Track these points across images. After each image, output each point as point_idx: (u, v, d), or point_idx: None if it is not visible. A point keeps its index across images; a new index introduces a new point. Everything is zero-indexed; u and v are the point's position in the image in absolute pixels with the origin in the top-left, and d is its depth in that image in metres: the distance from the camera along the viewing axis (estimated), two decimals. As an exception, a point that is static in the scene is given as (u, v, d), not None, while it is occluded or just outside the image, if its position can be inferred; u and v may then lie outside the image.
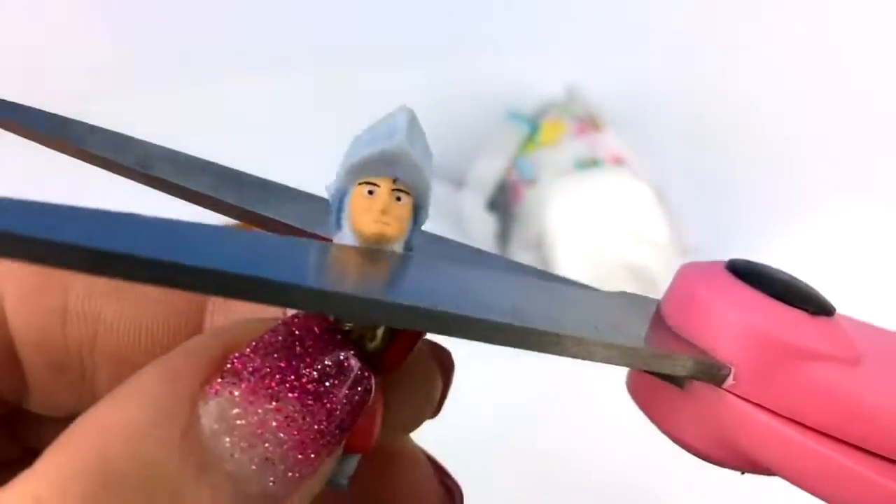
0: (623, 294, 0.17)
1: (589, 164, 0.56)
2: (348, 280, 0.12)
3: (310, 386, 0.11)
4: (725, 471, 0.16)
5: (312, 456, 0.11)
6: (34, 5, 0.69)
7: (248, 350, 0.11)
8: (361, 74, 0.73)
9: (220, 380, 0.11)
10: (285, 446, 0.10)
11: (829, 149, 0.68)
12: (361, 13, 0.73)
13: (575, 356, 0.13)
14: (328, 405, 0.11)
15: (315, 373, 0.11)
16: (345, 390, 0.11)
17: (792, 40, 0.74)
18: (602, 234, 0.53)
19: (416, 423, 0.15)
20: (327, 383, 0.11)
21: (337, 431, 0.11)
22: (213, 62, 0.72)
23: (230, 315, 0.14)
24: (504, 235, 0.59)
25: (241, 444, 0.10)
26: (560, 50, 0.72)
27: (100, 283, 0.13)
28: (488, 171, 0.59)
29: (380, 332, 0.13)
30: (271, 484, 0.10)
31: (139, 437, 0.10)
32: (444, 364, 0.15)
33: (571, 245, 0.53)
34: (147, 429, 0.10)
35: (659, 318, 0.16)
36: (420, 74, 0.72)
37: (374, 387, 0.12)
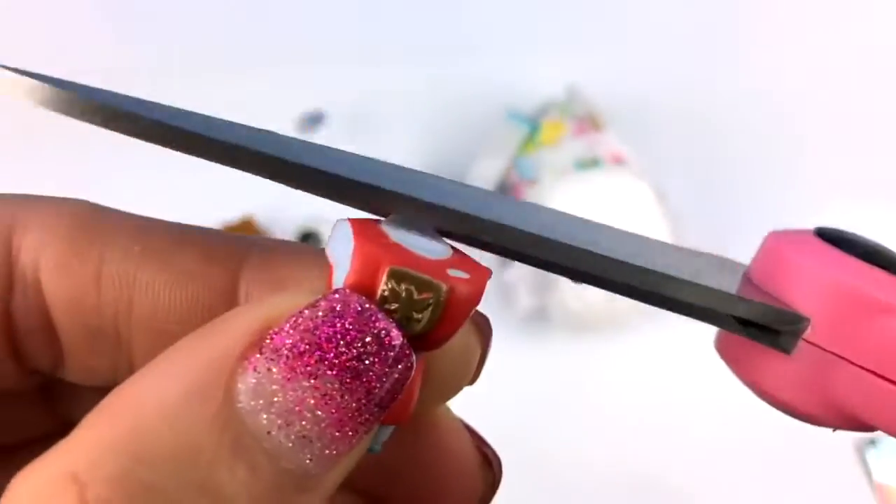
0: (715, 255, 0.18)
1: (589, 163, 0.56)
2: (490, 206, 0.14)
3: (349, 363, 0.11)
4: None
5: (350, 433, 0.11)
6: (35, 5, 0.69)
7: (286, 325, 0.11)
8: (363, 74, 0.73)
9: (257, 355, 0.10)
10: (323, 424, 0.10)
11: (830, 149, 0.68)
12: (361, 13, 0.73)
13: (672, 297, 0.14)
14: (367, 383, 0.11)
15: (355, 350, 0.11)
16: (385, 368, 0.11)
17: (792, 40, 0.74)
18: (602, 234, 0.53)
19: (454, 392, 0.15)
20: (367, 361, 0.11)
21: (376, 409, 0.11)
22: (213, 62, 0.72)
23: (265, 289, 0.14)
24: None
25: (278, 421, 0.10)
26: (560, 50, 0.72)
27: (135, 252, 0.13)
28: (488, 171, 0.59)
29: (426, 313, 0.12)
30: (308, 461, 0.10)
31: (174, 412, 0.10)
32: (483, 330, 0.15)
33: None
34: (182, 404, 0.10)
35: (747, 278, 0.17)
36: (420, 74, 0.72)
37: (415, 363, 0.11)
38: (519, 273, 0.55)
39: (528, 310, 0.55)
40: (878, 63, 0.72)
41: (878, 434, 0.51)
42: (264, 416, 0.10)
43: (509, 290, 0.56)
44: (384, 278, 0.12)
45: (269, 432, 0.10)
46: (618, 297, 0.56)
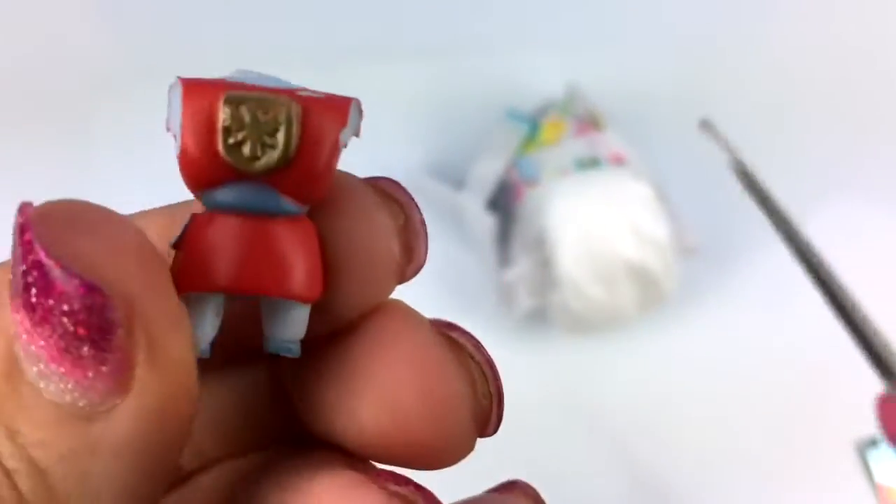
0: None
1: (589, 163, 0.56)
2: None
3: (25, 295, 0.10)
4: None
5: (78, 370, 0.10)
6: (35, 4, 0.69)
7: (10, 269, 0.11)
8: (361, 74, 0.73)
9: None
10: (43, 359, 0.10)
11: (830, 149, 0.68)
12: (361, 12, 0.73)
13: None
14: (46, 317, 0.10)
15: (21, 282, 0.10)
16: (44, 297, 0.10)
17: (792, 40, 0.74)
18: (603, 234, 0.53)
19: (380, 279, 0.13)
20: (32, 293, 0.10)
21: (81, 344, 0.10)
22: (213, 61, 0.72)
23: None
24: (504, 235, 0.59)
25: (22, 352, 0.10)
26: (560, 50, 0.72)
27: None
28: (488, 171, 0.59)
29: (280, 135, 0.11)
30: (65, 397, 0.10)
31: None
32: (388, 193, 0.13)
33: (572, 245, 0.53)
34: None
35: None
36: (420, 74, 0.72)
37: (94, 287, 0.10)
38: (519, 273, 0.55)
39: (528, 310, 0.55)
40: (878, 64, 0.72)
41: (880, 434, 0.50)
42: (15, 346, 0.10)
43: (509, 290, 0.56)
44: (221, 107, 0.11)
45: (21, 360, 0.10)
46: (618, 296, 0.56)
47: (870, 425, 0.54)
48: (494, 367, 0.14)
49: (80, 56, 0.71)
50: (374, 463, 0.13)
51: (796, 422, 0.54)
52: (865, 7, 0.73)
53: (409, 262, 0.13)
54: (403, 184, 0.14)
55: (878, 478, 0.51)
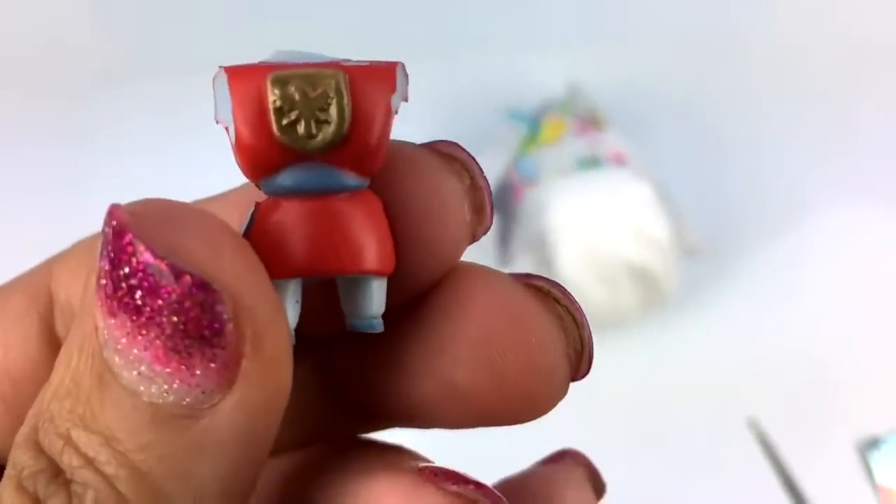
0: None
1: (590, 163, 0.56)
2: None
3: (127, 300, 0.10)
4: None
5: (184, 368, 0.10)
6: (36, 3, 0.69)
7: (100, 274, 0.10)
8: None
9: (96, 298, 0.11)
10: (146, 361, 0.10)
11: (830, 149, 0.68)
12: (362, 12, 0.73)
13: None
14: (152, 316, 0.10)
15: (124, 286, 0.10)
16: (152, 301, 0.10)
17: (792, 40, 0.73)
18: (603, 234, 0.53)
19: (449, 246, 0.12)
20: (137, 296, 0.10)
21: (190, 342, 0.10)
22: (214, 60, 0.72)
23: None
24: (504, 235, 0.59)
25: (118, 360, 0.10)
26: (560, 49, 0.72)
27: None
28: (488, 171, 0.59)
29: (332, 109, 0.11)
30: (168, 397, 0.10)
31: (65, 354, 0.11)
32: (449, 157, 0.13)
33: (572, 245, 0.53)
34: (66, 347, 0.11)
35: None
36: (420, 73, 0.72)
37: (206, 283, 0.10)
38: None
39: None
40: (878, 64, 0.72)
41: (881, 435, 0.51)
42: (109, 351, 0.10)
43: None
44: (269, 89, 0.11)
45: (122, 372, 0.10)
46: (618, 296, 0.56)
47: (871, 426, 0.54)
48: (582, 311, 0.13)
49: (81, 56, 0.71)
50: (427, 461, 0.13)
51: (796, 422, 0.54)
52: (865, 8, 0.73)
53: (480, 222, 0.13)
54: None
55: (879, 479, 0.51)
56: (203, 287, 0.10)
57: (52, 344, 0.14)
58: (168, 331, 0.10)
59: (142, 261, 0.10)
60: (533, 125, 0.61)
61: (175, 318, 0.10)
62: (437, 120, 0.69)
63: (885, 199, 0.65)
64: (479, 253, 0.58)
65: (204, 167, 0.68)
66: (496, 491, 0.12)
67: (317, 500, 0.13)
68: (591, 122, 0.60)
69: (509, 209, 0.58)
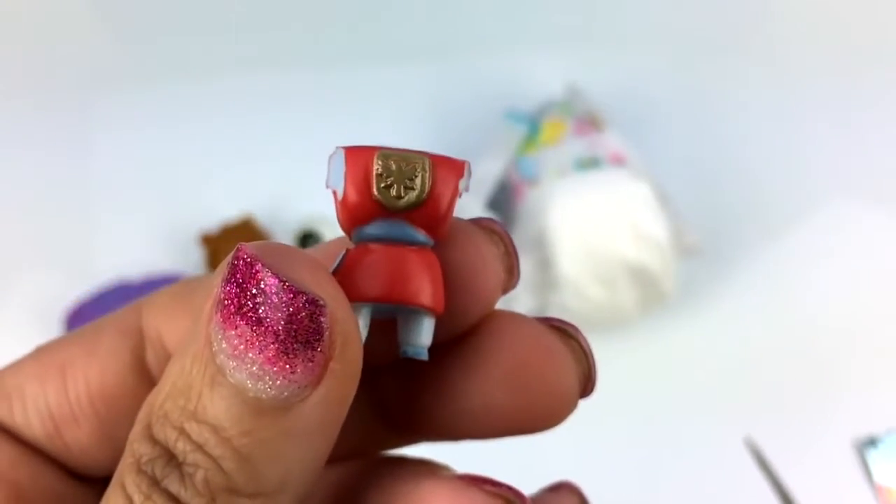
0: None
1: (589, 163, 0.56)
2: None
3: (250, 313, 0.13)
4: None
5: (287, 367, 0.13)
6: (36, 3, 0.69)
7: (220, 283, 0.13)
8: (362, 73, 0.73)
9: (215, 314, 0.14)
10: (259, 362, 0.13)
11: (830, 149, 0.68)
12: (361, 13, 0.73)
13: None
14: (271, 324, 0.13)
15: (249, 302, 0.13)
16: (272, 313, 0.13)
17: (792, 40, 0.74)
18: (602, 234, 0.53)
19: (489, 295, 0.16)
20: (261, 309, 0.13)
21: (297, 345, 0.13)
22: (214, 62, 0.72)
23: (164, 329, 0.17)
24: (504, 235, 0.59)
25: (232, 363, 0.13)
26: (560, 49, 0.72)
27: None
28: (488, 172, 0.59)
29: (418, 179, 0.15)
30: (270, 391, 0.13)
31: (178, 357, 0.14)
32: (494, 230, 0.16)
33: (572, 245, 0.53)
34: (178, 353, 0.14)
35: None
36: (420, 74, 0.72)
37: (315, 299, 0.13)
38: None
39: (527, 310, 0.55)
40: (878, 64, 0.72)
41: (879, 434, 0.51)
42: (222, 357, 0.13)
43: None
44: (375, 160, 0.14)
45: (231, 370, 0.13)
46: (617, 296, 0.56)
47: (869, 425, 0.54)
48: (588, 343, 0.17)
49: (80, 55, 0.71)
50: (454, 470, 0.16)
51: (795, 421, 0.54)
52: (865, 9, 0.73)
53: (510, 279, 0.16)
54: None
55: (877, 478, 0.52)
56: (313, 303, 0.13)
57: (142, 372, 0.17)
58: (282, 336, 0.13)
59: (270, 283, 0.13)
60: (533, 126, 0.61)
61: (293, 327, 0.13)
62: (438, 120, 0.69)
63: (885, 199, 0.65)
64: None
65: (204, 167, 0.68)
66: (524, 494, 0.15)
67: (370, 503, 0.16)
68: (590, 122, 0.60)
69: (509, 209, 0.58)
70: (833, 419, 0.54)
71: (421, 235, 0.15)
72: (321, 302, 0.13)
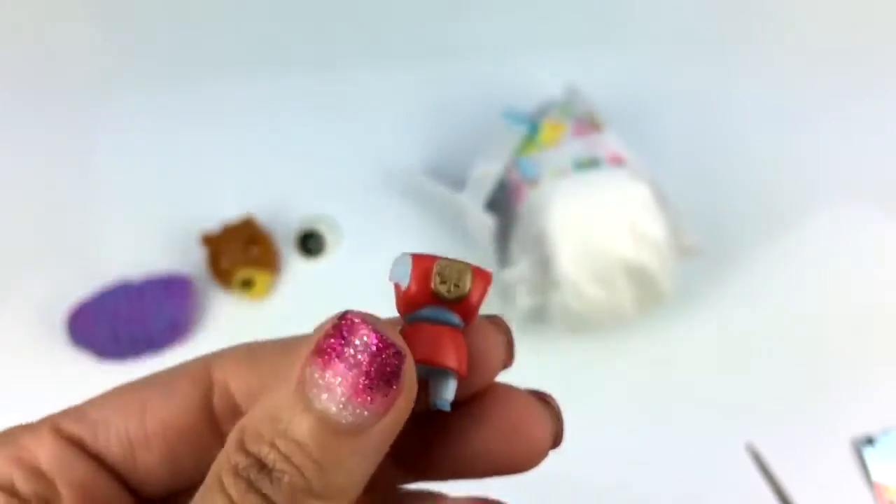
0: None
1: (589, 164, 0.56)
2: None
3: (349, 358, 0.17)
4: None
5: (369, 399, 0.17)
6: (37, 4, 0.70)
7: (320, 343, 0.17)
8: (361, 74, 0.73)
9: (314, 359, 0.18)
10: (347, 395, 0.17)
11: (830, 149, 0.68)
12: (361, 13, 0.73)
13: None
14: (364, 368, 0.17)
15: (351, 349, 0.17)
16: (373, 358, 0.17)
17: (792, 39, 0.74)
18: (601, 234, 0.53)
19: (495, 366, 0.21)
20: (359, 356, 0.17)
21: (381, 383, 0.17)
22: (214, 62, 0.72)
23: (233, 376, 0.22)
24: (504, 235, 0.59)
25: (324, 395, 0.17)
26: (560, 50, 0.72)
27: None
28: (488, 172, 0.59)
29: (465, 280, 0.20)
30: (350, 417, 0.17)
31: (274, 391, 0.18)
32: (500, 326, 0.22)
33: (571, 245, 0.53)
34: (275, 387, 0.18)
35: None
36: (420, 75, 0.72)
37: (400, 352, 0.18)
38: (518, 273, 0.55)
39: (527, 310, 0.56)
40: (878, 65, 0.72)
41: (876, 433, 0.51)
42: (314, 390, 0.17)
43: (509, 290, 0.56)
44: (436, 266, 0.20)
45: (320, 400, 0.17)
46: (616, 296, 0.56)
47: (867, 424, 0.54)
48: (560, 409, 0.22)
49: (81, 57, 0.71)
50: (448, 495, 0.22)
51: (794, 421, 0.54)
52: (864, 9, 0.73)
53: (508, 360, 0.22)
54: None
55: (875, 476, 0.52)
56: (398, 352, 0.17)
57: (208, 412, 0.22)
58: (372, 375, 0.17)
59: (372, 338, 0.17)
60: (532, 127, 0.61)
61: (379, 369, 0.17)
62: (438, 121, 0.70)
63: (885, 199, 0.65)
64: (480, 253, 0.58)
65: (205, 168, 0.68)
66: None
67: None
68: (589, 123, 0.60)
69: (509, 209, 0.59)
70: (831, 418, 0.54)
71: (456, 319, 0.20)
72: (403, 353, 0.18)
